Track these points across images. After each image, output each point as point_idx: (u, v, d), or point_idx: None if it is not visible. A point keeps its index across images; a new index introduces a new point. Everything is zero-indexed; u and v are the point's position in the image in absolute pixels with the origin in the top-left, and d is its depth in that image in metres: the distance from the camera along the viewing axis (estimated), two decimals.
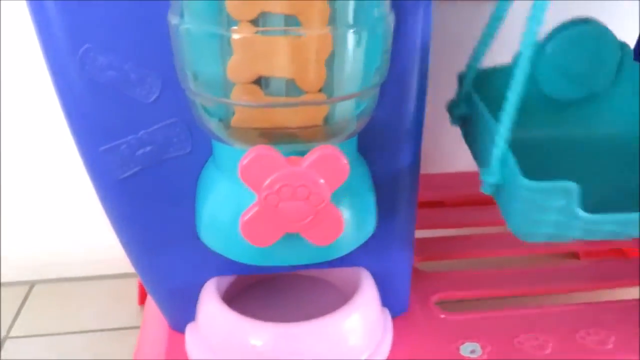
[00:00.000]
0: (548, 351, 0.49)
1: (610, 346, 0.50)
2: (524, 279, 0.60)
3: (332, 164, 0.34)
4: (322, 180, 0.34)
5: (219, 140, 0.38)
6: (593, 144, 0.54)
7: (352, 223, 0.40)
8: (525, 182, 0.36)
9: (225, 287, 0.50)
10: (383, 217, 0.46)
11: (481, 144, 0.46)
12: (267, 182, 0.33)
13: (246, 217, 0.35)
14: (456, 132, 0.52)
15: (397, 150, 0.45)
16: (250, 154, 0.33)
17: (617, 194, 0.48)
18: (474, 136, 0.48)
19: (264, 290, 0.53)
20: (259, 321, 0.43)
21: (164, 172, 0.43)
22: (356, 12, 0.34)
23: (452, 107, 0.50)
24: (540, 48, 0.51)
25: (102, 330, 0.68)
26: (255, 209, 0.34)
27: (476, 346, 0.49)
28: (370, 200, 0.42)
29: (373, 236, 0.45)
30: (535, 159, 0.44)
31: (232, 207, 0.37)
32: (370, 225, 0.42)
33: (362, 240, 0.42)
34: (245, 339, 0.43)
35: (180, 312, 0.49)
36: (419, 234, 0.66)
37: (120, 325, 0.68)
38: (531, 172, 0.38)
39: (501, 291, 0.58)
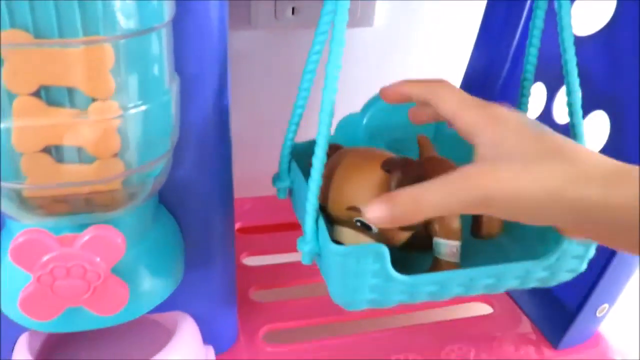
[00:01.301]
0: None
1: None
2: None
3: (105, 243, 0.35)
4: (97, 258, 0.35)
5: (11, 217, 0.38)
6: None
7: (149, 284, 0.41)
8: (336, 247, 0.37)
9: (44, 337, 0.50)
10: (198, 264, 0.48)
11: (301, 214, 0.46)
12: (39, 263, 0.34)
13: (23, 295, 0.35)
14: None
15: (206, 200, 0.47)
16: (20, 237, 0.33)
17: None
18: (297, 207, 0.49)
19: (91, 333, 0.53)
20: None
21: None
22: (141, 88, 0.35)
23: (275, 181, 0.51)
24: (358, 118, 0.53)
25: None
26: (31, 287, 0.35)
27: None
28: (173, 255, 0.44)
29: (189, 282, 0.47)
30: None
31: (18, 278, 0.37)
32: (173, 279, 0.44)
33: (165, 296, 0.43)
34: None
35: None
36: (266, 259, 0.69)
37: None
38: None
39: (328, 319, 0.61)
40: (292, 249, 0.70)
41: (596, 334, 0.60)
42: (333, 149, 0.44)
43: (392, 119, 0.52)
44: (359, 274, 0.38)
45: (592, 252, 0.41)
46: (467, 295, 0.41)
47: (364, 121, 0.53)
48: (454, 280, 0.39)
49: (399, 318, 0.63)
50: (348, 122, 0.52)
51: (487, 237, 0.43)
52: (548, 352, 0.59)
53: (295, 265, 0.68)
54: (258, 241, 0.72)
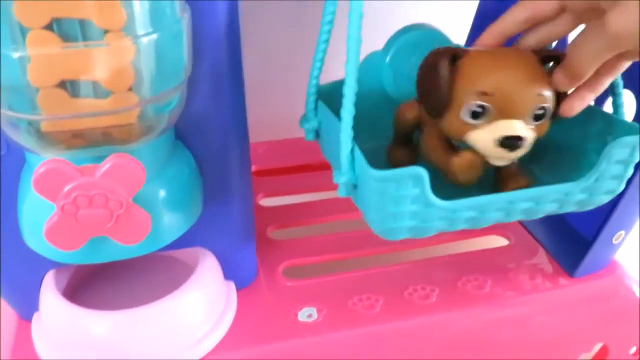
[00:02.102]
0: (377, 310, 0.54)
1: (433, 300, 0.55)
2: (370, 240, 0.64)
3: (125, 171, 0.35)
4: (118, 187, 0.35)
5: (31, 150, 0.38)
6: None
7: (168, 215, 0.42)
8: (375, 172, 0.36)
9: (69, 274, 0.51)
10: (216, 200, 0.49)
11: (334, 151, 0.44)
12: (62, 192, 0.34)
13: (48, 225, 0.36)
14: None
15: (221, 135, 0.47)
16: (41, 167, 0.34)
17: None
18: (327, 145, 0.48)
19: (114, 271, 0.55)
20: (93, 310, 0.45)
21: None
22: (152, 17, 0.35)
23: (303, 122, 0.50)
24: (381, 57, 0.52)
25: None
26: (55, 217, 0.36)
27: (313, 310, 0.53)
28: (191, 188, 0.44)
29: (208, 219, 0.48)
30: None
31: (42, 212, 0.38)
32: (192, 212, 0.44)
33: (185, 228, 0.44)
34: (81, 328, 0.45)
35: (24, 304, 0.50)
36: (281, 200, 0.70)
37: None
38: None
39: (345, 254, 0.62)
40: (308, 189, 0.72)
41: (612, 262, 0.61)
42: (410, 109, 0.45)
43: (414, 56, 0.51)
44: (398, 200, 0.37)
45: (630, 172, 0.41)
46: (506, 221, 0.41)
47: (387, 59, 0.52)
48: (493, 204, 0.39)
49: (415, 252, 0.63)
50: (371, 60, 0.51)
51: None
52: (564, 280, 0.60)
53: (311, 204, 0.69)
54: (273, 183, 0.73)
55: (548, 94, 0.38)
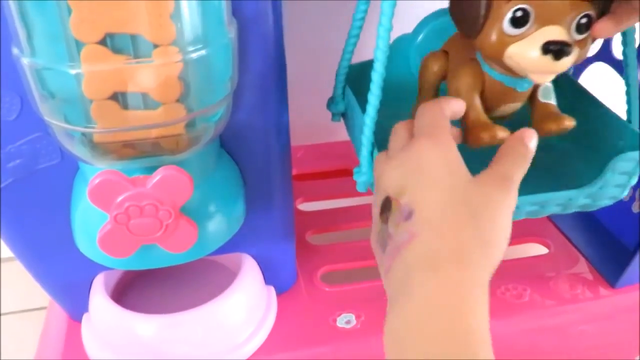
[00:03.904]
0: None
1: None
2: None
3: (174, 182, 0.36)
4: (167, 198, 0.37)
5: (84, 160, 0.40)
6: None
7: (214, 224, 0.43)
8: None
9: (117, 277, 0.53)
10: (258, 207, 0.50)
11: (357, 140, 0.46)
12: (115, 203, 0.36)
13: (101, 234, 0.37)
14: None
15: (264, 144, 0.48)
16: (96, 178, 0.36)
17: None
18: (351, 131, 0.50)
19: (159, 274, 0.57)
20: (141, 314, 0.47)
21: (38, 181, 0.45)
22: (201, 32, 0.36)
23: (329, 105, 0.52)
24: (410, 39, 0.53)
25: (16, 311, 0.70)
26: (108, 226, 0.37)
27: (351, 317, 0.54)
28: (235, 197, 0.45)
29: (250, 225, 0.49)
30: None
31: (94, 220, 0.40)
32: (236, 220, 0.46)
33: (229, 236, 0.45)
34: (130, 330, 0.47)
35: (75, 305, 0.52)
36: (320, 205, 0.70)
37: (36, 306, 0.71)
38: None
39: None
40: (346, 194, 0.73)
41: None
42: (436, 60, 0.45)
43: (443, 40, 0.51)
44: None
45: (634, 180, 0.41)
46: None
47: (417, 42, 0.53)
48: None
49: None
50: (400, 43, 0.52)
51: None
52: (604, 291, 0.59)
53: (350, 209, 0.70)
54: (312, 187, 0.74)
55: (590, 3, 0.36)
